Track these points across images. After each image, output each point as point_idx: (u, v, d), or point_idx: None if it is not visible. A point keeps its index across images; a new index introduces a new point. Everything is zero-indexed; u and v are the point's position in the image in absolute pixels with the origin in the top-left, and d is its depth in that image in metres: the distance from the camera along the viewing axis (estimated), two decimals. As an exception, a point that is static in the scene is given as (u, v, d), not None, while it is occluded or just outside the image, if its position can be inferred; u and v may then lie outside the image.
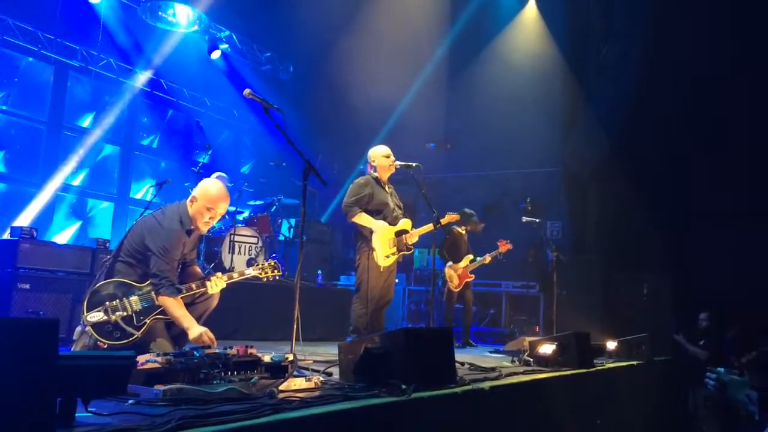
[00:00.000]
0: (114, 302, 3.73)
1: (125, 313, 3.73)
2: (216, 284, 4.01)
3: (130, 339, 3.71)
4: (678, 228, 9.34)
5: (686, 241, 9.32)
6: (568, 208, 10.77)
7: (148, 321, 3.78)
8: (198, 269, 4.26)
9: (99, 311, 3.69)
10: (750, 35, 8.87)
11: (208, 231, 7.65)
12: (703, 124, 9.22)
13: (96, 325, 3.67)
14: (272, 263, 4.23)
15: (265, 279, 4.28)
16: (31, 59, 9.10)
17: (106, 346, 3.65)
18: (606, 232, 10.16)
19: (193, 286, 3.96)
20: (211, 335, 3.77)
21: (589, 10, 10.77)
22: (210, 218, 3.98)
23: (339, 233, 10.65)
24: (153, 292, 3.81)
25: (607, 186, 10.30)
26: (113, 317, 3.70)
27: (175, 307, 3.79)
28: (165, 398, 2.49)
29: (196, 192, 4.01)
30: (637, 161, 9.55)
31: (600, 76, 10.75)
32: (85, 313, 3.69)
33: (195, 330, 3.74)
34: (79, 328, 3.84)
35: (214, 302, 4.14)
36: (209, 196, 3.96)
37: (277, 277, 4.32)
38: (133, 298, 3.79)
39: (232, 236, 7.64)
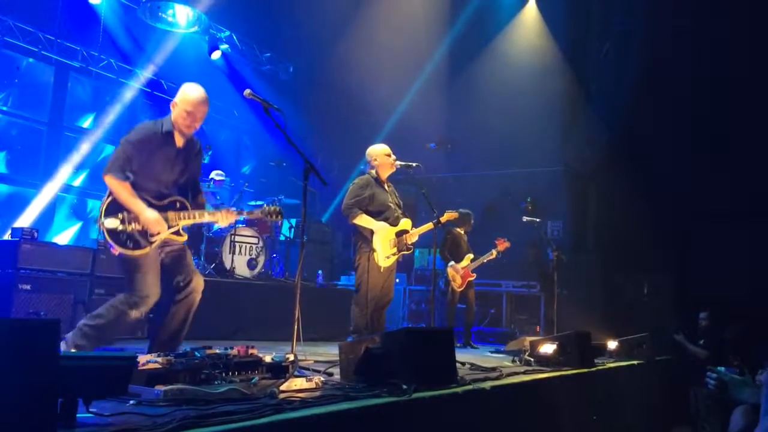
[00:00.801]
0: (131, 213, 3.78)
1: (141, 227, 3.79)
2: (226, 217, 4.06)
3: (141, 251, 3.78)
4: (679, 227, 9.34)
5: (687, 240, 9.32)
6: (568, 207, 10.77)
7: (158, 238, 3.84)
8: (204, 200, 4.29)
9: (116, 219, 3.74)
10: (751, 34, 8.86)
11: (209, 231, 7.69)
12: (704, 124, 9.22)
13: (111, 232, 3.73)
14: (276, 208, 4.21)
15: (269, 222, 4.30)
16: (31, 60, 9.11)
17: (117, 253, 3.75)
18: (607, 232, 10.17)
19: (206, 215, 4.03)
20: (163, 223, 3.81)
21: (590, 9, 10.78)
22: (191, 122, 3.99)
23: (339, 233, 10.65)
24: (106, 176, 3.81)
25: (608, 186, 10.31)
26: (129, 227, 3.76)
27: (121, 189, 3.77)
28: (166, 399, 2.49)
29: (176, 98, 4.05)
30: (638, 161, 9.55)
31: (600, 75, 10.75)
32: (103, 218, 3.74)
33: (147, 213, 3.76)
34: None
35: (197, 299, 4.09)
36: (188, 100, 4.00)
37: (279, 222, 4.34)
38: None
39: (232, 236, 7.65)
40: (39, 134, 9.23)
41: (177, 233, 3.95)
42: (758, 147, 8.84)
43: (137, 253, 3.77)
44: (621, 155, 9.74)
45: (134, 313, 3.77)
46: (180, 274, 3.98)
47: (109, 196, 3.81)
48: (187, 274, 4.01)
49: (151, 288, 3.82)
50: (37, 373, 1.86)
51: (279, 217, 4.22)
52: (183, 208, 3.98)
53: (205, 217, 4.05)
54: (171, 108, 4.04)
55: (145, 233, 3.79)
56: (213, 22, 10.75)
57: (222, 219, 4.06)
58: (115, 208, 3.77)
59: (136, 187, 3.82)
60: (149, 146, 3.88)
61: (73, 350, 3.52)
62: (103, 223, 3.73)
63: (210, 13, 10.23)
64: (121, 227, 3.74)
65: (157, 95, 10.41)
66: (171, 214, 3.90)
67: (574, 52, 10.79)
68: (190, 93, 4.02)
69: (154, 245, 3.83)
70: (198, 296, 4.07)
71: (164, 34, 10.16)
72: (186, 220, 3.95)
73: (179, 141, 4.01)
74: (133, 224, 3.77)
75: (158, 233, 3.80)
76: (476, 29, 11.21)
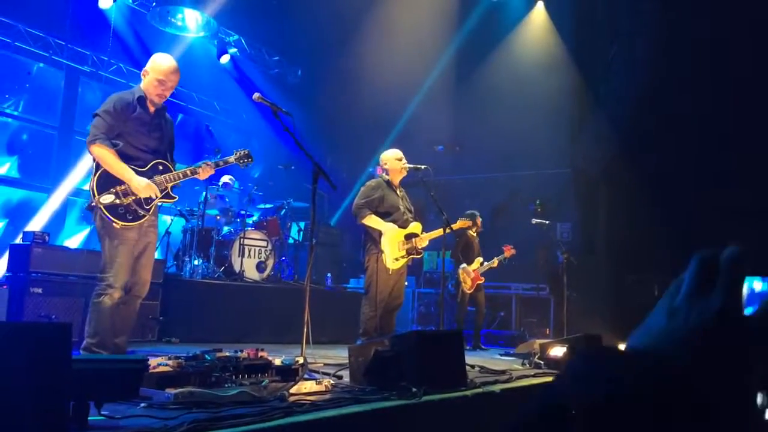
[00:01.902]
0: (123, 186, 3.88)
1: (136, 196, 3.89)
2: (206, 170, 4.19)
3: (142, 220, 3.92)
4: (689, 229, 9.29)
5: (697, 241, 9.25)
6: (577, 209, 10.73)
7: (154, 204, 3.99)
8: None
9: (110, 194, 3.83)
10: (759, 34, 8.81)
11: (218, 234, 7.71)
12: (714, 124, 9.17)
13: (109, 207, 3.82)
14: (246, 152, 4.44)
15: (243, 165, 4.40)
16: (42, 65, 9.18)
17: (119, 227, 3.84)
18: (616, 234, 10.11)
19: (188, 172, 4.15)
20: (154, 187, 3.92)
21: (597, 11, 10.75)
22: (162, 90, 4.10)
23: (348, 236, 10.65)
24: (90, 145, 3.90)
25: (617, 187, 10.26)
26: (125, 200, 3.87)
27: (109, 156, 3.86)
28: (177, 401, 2.50)
29: (147, 66, 4.17)
30: (647, 162, 9.51)
31: (609, 77, 10.71)
32: (97, 195, 3.81)
33: (136, 180, 3.86)
34: None
35: (137, 304, 4.12)
36: (159, 69, 4.13)
37: (250, 164, 4.44)
38: None
39: (241, 239, 7.66)
40: (50, 139, 9.30)
41: (168, 195, 4.08)
42: (768, 146, 8.78)
43: (137, 223, 3.89)
44: (630, 157, 9.70)
45: (107, 300, 3.81)
46: (134, 275, 4.02)
47: (96, 172, 3.87)
48: (138, 277, 4.03)
49: (123, 270, 3.87)
50: (49, 376, 1.88)
51: (249, 159, 4.43)
52: (166, 169, 4.10)
53: (188, 174, 4.16)
54: (142, 77, 4.19)
55: (140, 202, 3.90)
56: (222, 26, 10.80)
57: (202, 173, 4.18)
58: (105, 183, 3.84)
59: (124, 157, 3.92)
60: (125, 114, 3.99)
61: None
62: (99, 200, 3.80)
63: (219, 18, 10.28)
64: (117, 201, 3.84)
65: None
66: (158, 178, 4.01)
67: (583, 54, 10.76)
68: (161, 62, 4.15)
69: (151, 211, 3.96)
70: (138, 302, 4.11)
71: (174, 38, 10.21)
72: (173, 181, 4.08)
73: (151, 108, 4.13)
74: (128, 197, 3.88)
75: (152, 198, 3.92)
76: (484, 32, 11.20)
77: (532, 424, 0.46)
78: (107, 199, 3.81)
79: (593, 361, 0.48)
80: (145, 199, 3.93)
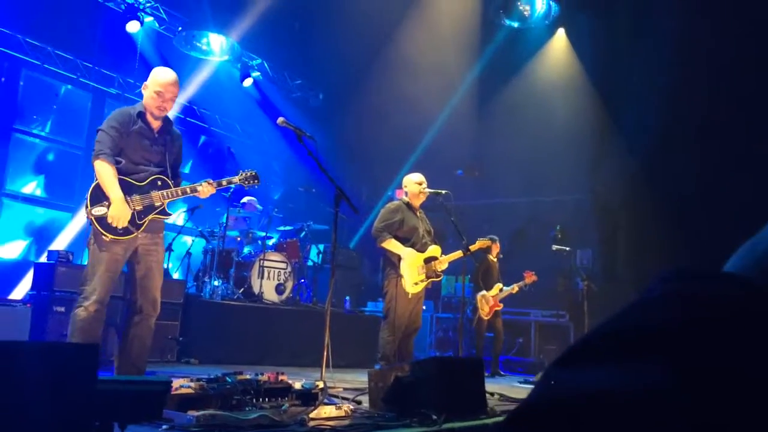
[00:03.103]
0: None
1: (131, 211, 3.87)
2: (207, 189, 4.13)
3: (131, 236, 3.87)
4: (710, 255, 9.16)
5: (715, 269, 9.11)
6: (598, 236, 10.65)
7: (147, 219, 3.94)
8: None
9: (102, 206, 3.82)
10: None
11: (238, 255, 7.76)
12: (735, 149, 9.09)
13: (100, 219, 3.80)
14: (252, 173, 4.36)
15: (247, 186, 4.36)
16: (70, 87, 9.37)
17: (108, 239, 3.81)
18: (637, 261, 10.01)
19: (188, 189, 4.10)
20: (125, 220, 3.83)
21: (618, 37, 10.76)
22: (161, 102, 4.05)
23: (367, 259, 10.66)
24: (151, 190, 3.92)
25: (638, 214, 10.17)
26: None
27: (108, 173, 3.85)
28: (198, 424, 2.51)
29: (147, 80, 4.12)
30: (669, 188, 9.43)
31: (629, 103, 10.69)
32: (89, 207, 3.81)
33: (115, 206, 3.80)
34: None
35: (151, 324, 4.08)
36: (157, 81, 4.06)
37: (255, 186, 4.39)
38: (135, 197, 3.92)
39: (261, 261, 7.70)
40: (76, 159, 9.45)
41: (163, 212, 4.04)
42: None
43: (127, 237, 3.86)
44: (651, 183, 9.63)
45: (81, 312, 3.77)
46: (142, 295, 4.00)
47: (93, 185, 3.89)
48: (147, 297, 4.01)
49: (102, 283, 3.82)
50: (75, 395, 1.89)
51: (255, 181, 4.35)
52: (165, 185, 4.06)
53: (188, 192, 4.11)
54: (142, 91, 4.15)
55: (132, 217, 3.87)
56: (245, 50, 10.97)
57: (203, 191, 4.13)
58: (98, 195, 3.85)
59: (120, 171, 3.92)
60: (127, 127, 3.99)
61: None
62: (90, 212, 3.81)
63: (243, 42, 10.45)
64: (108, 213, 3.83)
65: (190, 121, 10.62)
66: (155, 195, 3.98)
67: (603, 80, 10.76)
68: (159, 74, 4.11)
69: (144, 227, 3.92)
70: (152, 321, 4.06)
71: (198, 61, 10.40)
72: (169, 198, 4.04)
73: (154, 124, 4.10)
74: None
75: (120, 224, 3.83)
76: (505, 57, 11.26)
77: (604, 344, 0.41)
78: (99, 211, 3.80)
79: (680, 281, 0.43)
80: (138, 214, 3.89)
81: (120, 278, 4.13)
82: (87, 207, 3.84)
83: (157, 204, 3.98)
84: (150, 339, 4.10)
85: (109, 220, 3.79)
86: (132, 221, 3.87)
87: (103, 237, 3.80)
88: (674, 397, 0.37)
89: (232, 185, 4.36)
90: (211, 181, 4.17)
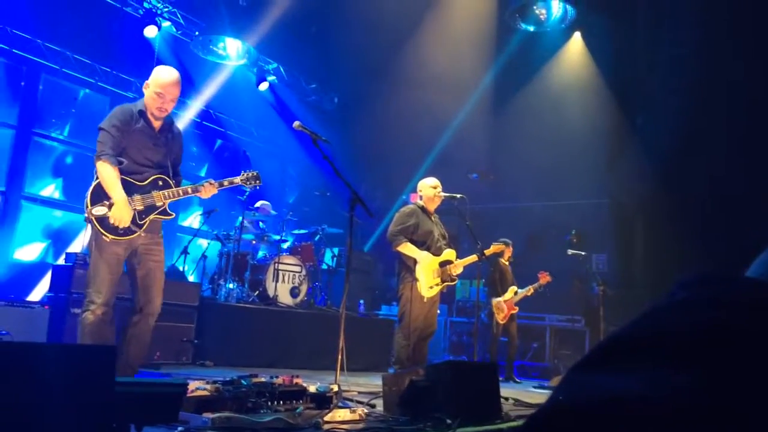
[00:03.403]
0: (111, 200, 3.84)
1: (133, 210, 3.85)
2: (209, 190, 4.11)
3: (132, 236, 3.85)
4: (728, 262, 9.06)
5: (737, 274, 9.02)
6: (614, 240, 10.58)
7: (148, 219, 3.91)
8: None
9: (103, 206, 3.79)
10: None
11: (253, 259, 7.79)
12: (754, 155, 9.00)
13: (100, 219, 3.78)
14: (254, 173, 4.33)
15: (249, 187, 4.33)
16: (88, 91, 9.46)
17: (109, 240, 3.79)
18: (653, 266, 9.93)
19: (189, 189, 4.08)
20: (126, 221, 3.80)
21: (635, 41, 10.71)
22: (161, 103, 4.01)
23: (381, 263, 10.66)
24: (153, 190, 3.91)
25: (655, 218, 10.10)
26: None
27: (111, 175, 3.82)
28: (214, 426, 2.52)
29: (149, 78, 4.09)
30: (686, 193, 9.35)
31: (646, 106, 10.62)
32: (89, 206, 3.79)
33: (118, 206, 3.78)
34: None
35: (151, 323, 4.07)
36: (158, 82, 4.02)
37: (257, 187, 4.36)
38: (136, 197, 3.90)
39: (276, 264, 7.73)
40: (93, 162, 9.53)
41: (164, 212, 4.02)
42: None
43: (127, 238, 3.84)
44: (668, 187, 9.55)
45: (89, 316, 3.75)
46: (142, 295, 3.98)
47: (93, 184, 3.88)
48: (148, 296, 3.99)
49: (106, 285, 3.81)
50: (93, 397, 1.91)
51: (257, 182, 4.32)
52: (166, 185, 4.04)
53: (189, 192, 4.09)
54: (143, 89, 4.13)
55: (134, 217, 3.85)
56: (261, 54, 11.03)
57: (205, 192, 4.10)
58: (99, 195, 3.83)
59: (122, 171, 3.90)
60: (128, 126, 3.97)
61: None
62: (91, 212, 3.79)
63: (259, 46, 10.51)
64: (108, 213, 3.81)
65: (206, 125, 10.69)
66: (157, 195, 3.96)
67: (620, 83, 10.70)
68: (160, 74, 4.07)
69: (145, 227, 3.90)
70: (152, 320, 4.03)
71: (214, 65, 10.47)
72: (171, 198, 4.02)
73: (155, 124, 4.09)
74: None
75: (122, 225, 3.81)
76: (521, 61, 11.23)
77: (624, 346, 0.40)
78: (99, 211, 3.78)
79: (704, 286, 0.42)
80: (139, 214, 3.88)
81: (125, 280, 4.12)
82: (87, 207, 3.82)
83: (159, 204, 3.97)
84: (149, 339, 4.07)
85: (111, 221, 3.78)
86: (133, 221, 3.86)
87: (104, 237, 3.79)
88: (702, 402, 0.36)
89: (235, 185, 4.32)
90: (213, 181, 4.17)
